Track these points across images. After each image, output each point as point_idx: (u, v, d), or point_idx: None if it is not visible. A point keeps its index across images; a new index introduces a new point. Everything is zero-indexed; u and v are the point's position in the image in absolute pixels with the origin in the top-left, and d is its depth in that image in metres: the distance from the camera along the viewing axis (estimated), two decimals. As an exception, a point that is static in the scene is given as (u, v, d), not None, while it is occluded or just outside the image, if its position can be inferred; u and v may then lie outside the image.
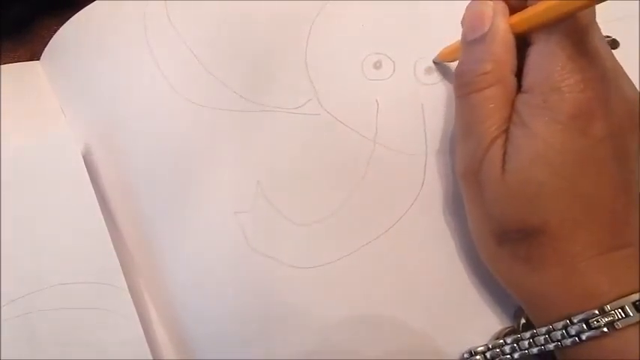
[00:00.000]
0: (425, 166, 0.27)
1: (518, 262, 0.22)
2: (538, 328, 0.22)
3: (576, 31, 0.21)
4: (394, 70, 0.27)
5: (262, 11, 0.27)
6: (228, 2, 0.27)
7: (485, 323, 0.26)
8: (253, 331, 0.25)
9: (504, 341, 0.24)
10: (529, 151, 0.21)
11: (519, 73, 0.22)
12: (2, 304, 0.25)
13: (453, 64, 0.27)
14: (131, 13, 0.27)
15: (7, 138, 0.26)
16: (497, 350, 0.24)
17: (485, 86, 0.22)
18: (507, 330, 0.25)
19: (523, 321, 0.25)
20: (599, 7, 0.20)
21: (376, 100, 0.27)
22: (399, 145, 0.27)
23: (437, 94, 0.27)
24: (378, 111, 0.27)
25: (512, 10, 0.22)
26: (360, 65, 0.27)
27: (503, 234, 0.22)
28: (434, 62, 0.27)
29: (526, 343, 0.23)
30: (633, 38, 0.28)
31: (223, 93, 0.27)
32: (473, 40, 0.23)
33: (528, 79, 0.22)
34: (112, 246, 0.26)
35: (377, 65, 0.27)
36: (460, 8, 0.23)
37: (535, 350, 0.22)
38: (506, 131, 0.22)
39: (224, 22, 0.27)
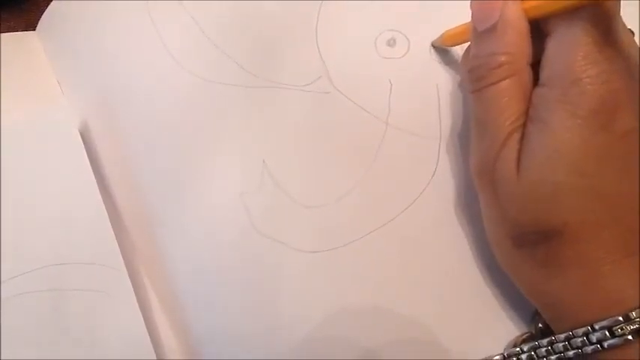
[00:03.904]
0: (439, 149, 0.25)
1: (536, 266, 0.21)
2: (557, 334, 0.21)
3: (602, 20, 0.19)
4: (409, 49, 0.26)
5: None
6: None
7: (497, 319, 0.25)
8: (256, 316, 0.25)
9: (521, 349, 0.23)
10: (546, 148, 0.20)
11: (536, 64, 0.21)
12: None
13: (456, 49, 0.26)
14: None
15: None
16: (514, 359, 0.23)
17: (499, 79, 0.21)
18: (524, 336, 0.24)
19: (540, 326, 0.24)
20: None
21: (389, 80, 0.26)
22: (413, 127, 0.26)
23: (453, 74, 0.26)
24: (391, 90, 0.26)
25: None
26: (374, 42, 0.26)
27: (520, 236, 0.21)
28: (433, 46, 0.26)
29: (543, 350, 0.22)
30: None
31: (229, 67, 0.25)
32: (484, 31, 0.21)
33: (546, 70, 0.20)
34: (109, 226, 0.25)
35: (391, 43, 0.26)
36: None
37: (553, 358, 0.22)
38: (523, 127, 0.21)
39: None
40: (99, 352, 0.24)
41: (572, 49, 0.19)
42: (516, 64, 0.21)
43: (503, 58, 0.21)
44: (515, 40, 0.21)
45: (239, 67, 0.25)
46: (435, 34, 0.26)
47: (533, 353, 0.22)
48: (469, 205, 0.25)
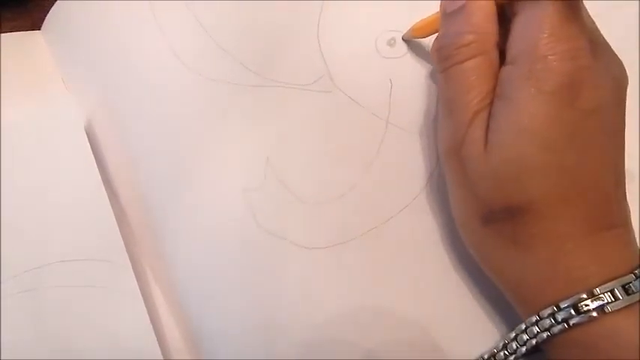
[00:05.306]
0: (438, 148, 0.26)
1: (503, 244, 0.21)
2: (524, 319, 0.21)
3: (565, 1, 0.20)
4: (409, 48, 0.26)
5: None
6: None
7: (500, 319, 0.25)
8: (259, 311, 0.25)
9: (496, 349, 0.23)
10: (513, 125, 0.20)
11: (503, 46, 0.21)
12: (2, 280, 0.24)
13: (425, 41, 0.26)
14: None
15: (6, 112, 0.25)
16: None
17: (467, 58, 0.21)
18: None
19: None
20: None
21: (390, 79, 0.26)
22: (413, 126, 0.26)
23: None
24: (391, 90, 0.26)
25: None
26: (374, 42, 0.26)
27: (488, 214, 0.21)
28: (403, 39, 0.26)
29: (514, 345, 0.22)
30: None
31: (232, 66, 0.26)
32: (452, 12, 0.22)
33: (513, 49, 0.21)
34: (115, 222, 0.25)
35: (391, 42, 0.26)
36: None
37: (523, 350, 0.21)
38: (490, 106, 0.21)
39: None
40: (105, 349, 0.24)
41: (538, 27, 0.20)
42: (484, 43, 0.21)
43: (470, 37, 0.21)
44: (483, 21, 0.21)
45: (242, 67, 0.26)
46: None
47: (505, 351, 0.22)
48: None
